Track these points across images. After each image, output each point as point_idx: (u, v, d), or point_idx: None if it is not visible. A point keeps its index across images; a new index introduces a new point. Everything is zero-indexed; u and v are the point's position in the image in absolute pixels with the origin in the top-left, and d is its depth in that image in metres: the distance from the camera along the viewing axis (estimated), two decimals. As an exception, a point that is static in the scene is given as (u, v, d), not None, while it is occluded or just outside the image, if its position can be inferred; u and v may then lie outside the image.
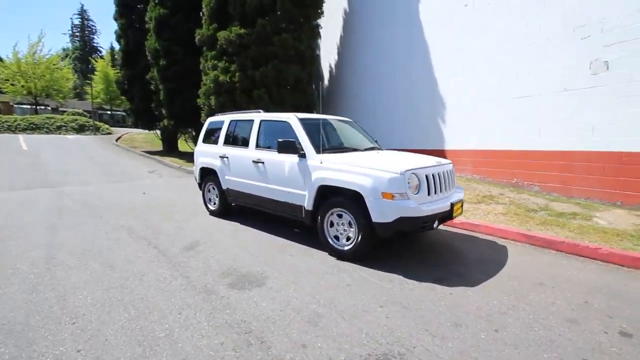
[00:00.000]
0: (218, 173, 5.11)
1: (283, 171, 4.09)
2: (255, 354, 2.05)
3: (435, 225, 3.40)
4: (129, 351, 2.06)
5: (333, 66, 12.65)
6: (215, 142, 5.30)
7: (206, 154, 5.43)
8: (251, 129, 4.68)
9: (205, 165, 5.41)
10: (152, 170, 10.82)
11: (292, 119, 4.18)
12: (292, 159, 3.98)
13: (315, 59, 11.59)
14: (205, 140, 5.62)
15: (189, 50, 12.38)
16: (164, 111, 13.23)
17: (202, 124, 12.26)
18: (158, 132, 16.46)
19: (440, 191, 3.55)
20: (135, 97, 14.90)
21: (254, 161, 4.48)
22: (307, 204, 3.83)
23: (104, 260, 3.49)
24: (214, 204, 5.43)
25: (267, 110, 8.19)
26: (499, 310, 2.58)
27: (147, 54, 12.82)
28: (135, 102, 14.96)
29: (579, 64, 5.45)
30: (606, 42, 5.10)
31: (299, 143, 3.93)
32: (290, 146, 3.87)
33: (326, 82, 13.12)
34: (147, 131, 20.74)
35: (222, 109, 10.46)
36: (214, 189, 5.39)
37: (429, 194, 3.38)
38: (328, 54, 12.59)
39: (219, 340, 2.18)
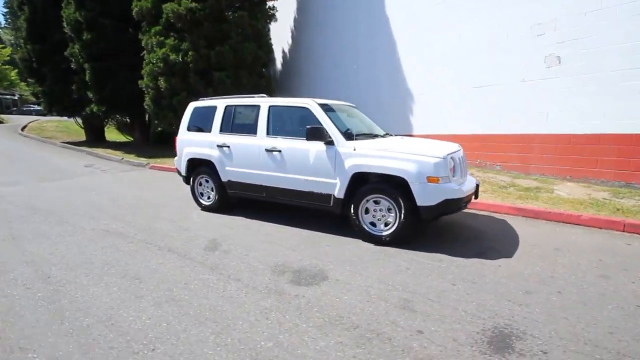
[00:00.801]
0: (216, 164, 4.64)
1: (307, 159, 3.91)
2: (382, 347, 2.00)
3: (467, 205, 3.66)
4: (251, 368, 1.82)
5: (287, 50, 12.26)
6: (208, 130, 4.78)
7: (196, 143, 4.87)
8: (258, 115, 4.34)
9: (195, 156, 4.86)
10: (89, 165, 9.29)
11: (312, 104, 4.00)
12: (319, 146, 3.83)
13: (269, 42, 11.09)
14: (190, 128, 5.02)
15: (121, 24, 10.75)
16: (90, 95, 11.31)
17: (145, 110, 11.00)
18: (79, 119, 14.05)
19: (464, 174, 3.82)
20: (47, 77, 12.37)
21: (267, 150, 4.18)
22: (338, 192, 3.75)
23: (122, 273, 2.95)
24: (208, 198, 4.94)
25: (226, 93, 7.61)
26: (546, 275, 2.93)
27: (65, 25, 10.72)
28: (48, 84, 12.44)
29: (535, 58, 6.26)
30: (559, 40, 5.95)
31: (325, 130, 3.80)
32: (318, 133, 3.72)
33: (279, 66, 12.68)
34: (58, 118, 17.64)
35: (173, 91, 9.42)
36: (207, 182, 4.88)
37: (461, 176, 3.62)
38: (281, 38, 12.12)
39: (335, 340, 2.06)
